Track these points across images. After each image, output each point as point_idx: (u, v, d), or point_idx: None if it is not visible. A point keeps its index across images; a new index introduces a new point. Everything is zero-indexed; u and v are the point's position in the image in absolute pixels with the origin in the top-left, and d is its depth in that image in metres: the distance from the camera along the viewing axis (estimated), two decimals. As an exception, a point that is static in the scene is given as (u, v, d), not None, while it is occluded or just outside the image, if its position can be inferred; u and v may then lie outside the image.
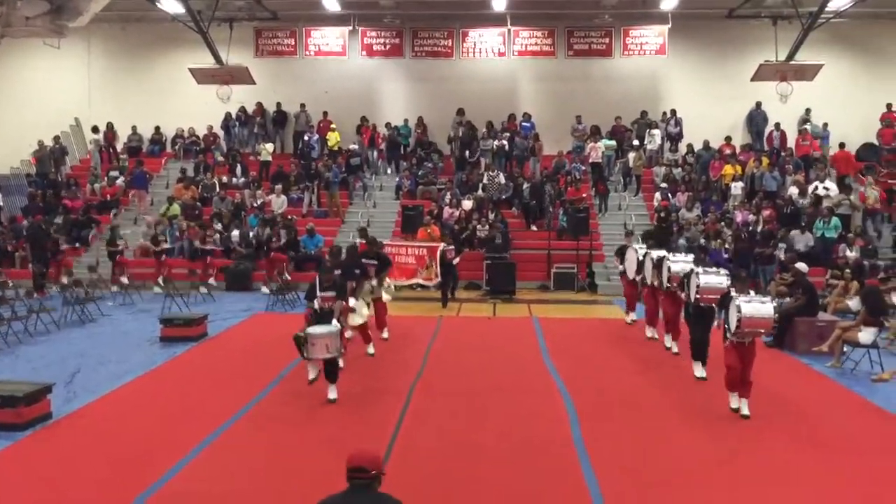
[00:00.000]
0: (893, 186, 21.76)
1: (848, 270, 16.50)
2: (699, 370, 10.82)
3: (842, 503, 6.77)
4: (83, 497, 6.77)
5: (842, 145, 23.04)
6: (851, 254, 18.14)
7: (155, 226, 20.68)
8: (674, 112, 24.29)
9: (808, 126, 23.72)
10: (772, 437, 8.40)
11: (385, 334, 13.33)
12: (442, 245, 17.45)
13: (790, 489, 7.05)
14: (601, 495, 6.82)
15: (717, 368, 9.90)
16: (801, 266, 14.04)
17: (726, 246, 18.99)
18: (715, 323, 9.72)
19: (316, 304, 9.78)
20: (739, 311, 8.74)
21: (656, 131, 24.20)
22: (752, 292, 9.33)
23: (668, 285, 11.94)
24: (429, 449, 8.01)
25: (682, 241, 18.78)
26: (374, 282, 12.63)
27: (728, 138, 23.86)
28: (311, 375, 9.60)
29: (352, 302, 11.04)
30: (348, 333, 11.58)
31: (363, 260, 12.68)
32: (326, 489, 6.67)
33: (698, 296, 10.41)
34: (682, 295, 11.29)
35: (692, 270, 10.87)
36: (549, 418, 9.09)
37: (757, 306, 8.88)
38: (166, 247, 19.91)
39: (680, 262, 11.91)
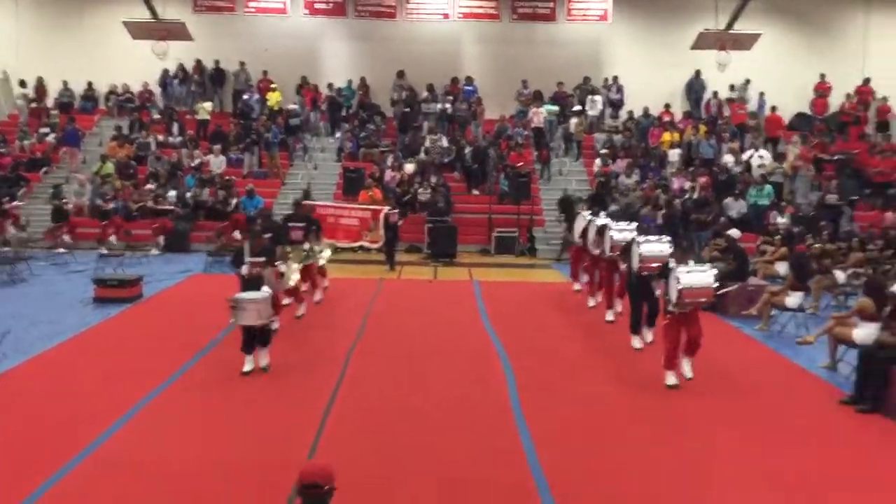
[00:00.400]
0: (823, 156, 22.39)
1: (778, 237, 16.99)
2: (647, 333, 10.78)
3: (758, 452, 7.05)
4: (12, 460, 6.63)
5: (773, 108, 23.62)
6: (782, 220, 18.67)
7: (101, 185, 20.16)
8: (615, 79, 24.50)
9: (734, 94, 24.19)
10: (702, 400, 8.65)
11: (318, 296, 13.27)
12: (386, 208, 17.40)
13: (713, 445, 7.32)
14: (537, 459, 6.94)
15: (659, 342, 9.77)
16: (734, 232, 14.44)
17: (661, 212, 19.34)
18: (657, 292, 9.63)
19: (244, 270, 9.49)
20: (679, 282, 8.58)
21: (598, 97, 24.37)
22: (691, 262, 9.20)
23: (610, 254, 11.80)
24: (366, 412, 8.05)
25: (613, 207, 18.71)
26: (306, 246, 12.49)
27: (667, 106, 24.19)
28: (247, 368, 9.16)
29: (281, 267, 10.80)
30: (285, 300, 11.49)
31: (290, 224, 12.57)
32: (259, 458, 6.75)
33: (640, 265, 10.20)
34: (623, 265, 11.12)
35: (633, 240, 10.67)
36: (488, 382, 9.21)
37: (698, 276, 8.74)
38: (112, 206, 19.45)
39: (622, 231, 11.72)
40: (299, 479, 4.03)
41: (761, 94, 24.27)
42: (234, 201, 19.94)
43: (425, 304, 13.86)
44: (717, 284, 8.97)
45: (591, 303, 13.40)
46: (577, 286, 14.67)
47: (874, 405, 8.29)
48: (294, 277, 11.59)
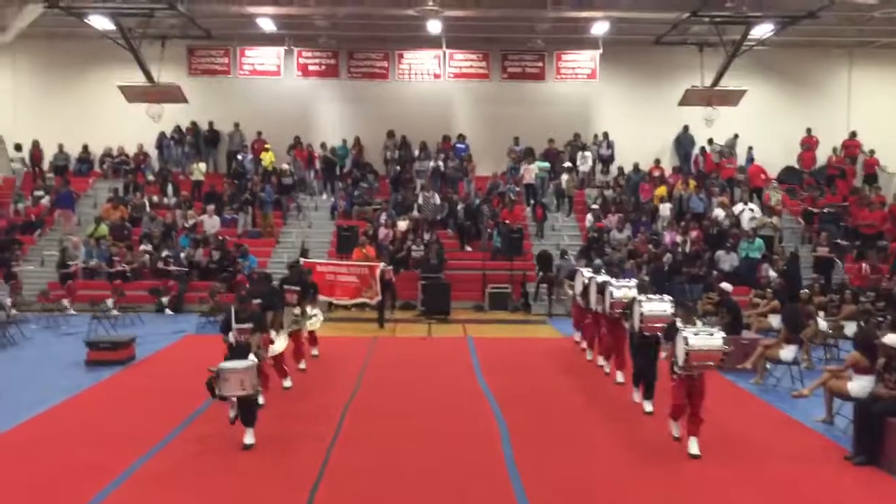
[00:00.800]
0: (813, 208, 22.62)
1: (770, 290, 17.04)
2: (646, 404, 10.29)
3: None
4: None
5: (751, 159, 23.99)
6: (773, 273, 18.75)
7: (68, 248, 20.21)
8: (605, 135, 24.85)
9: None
10: (702, 459, 8.54)
11: (303, 364, 12.52)
12: (382, 264, 17.57)
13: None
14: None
15: (662, 401, 9.68)
16: (726, 286, 14.49)
17: (644, 266, 19.39)
18: (662, 354, 9.30)
19: (231, 338, 9.07)
20: (687, 344, 8.23)
21: (588, 153, 24.67)
22: (698, 322, 8.85)
23: (611, 312, 11.49)
24: (361, 470, 7.98)
25: (597, 261, 18.32)
26: (297, 310, 12.02)
27: (657, 161, 24.49)
28: (232, 413, 8.74)
29: (272, 334, 10.44)
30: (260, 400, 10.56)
31: (284, 286, 12.12)
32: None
33: (642, 324, 9.86)
34: (626, 324, 10.80)
35: (635, 298, 10.33)
36: (483, 439, 9.15)
37: (705, 339, 8.35)
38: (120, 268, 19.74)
39: (623, 289, 11.40)
40: None
41: (750, 148, 24.59)
42: (244, 262, 19.95)
43: (420, 362, 13.80)
44: (726, 347, 8.51)
45: (590, 356, 13.39)
46: (577, 336, 14.74)
47: (870, 458, 8.24)
48: (281, 344, 11.06)
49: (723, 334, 8.62)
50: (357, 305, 18.17)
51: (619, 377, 11.76)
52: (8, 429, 9.32)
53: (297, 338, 12.23)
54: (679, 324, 8.68)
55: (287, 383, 11.34)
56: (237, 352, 8.89)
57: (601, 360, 12.81)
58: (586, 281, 13.20)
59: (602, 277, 12.51)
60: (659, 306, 9.79)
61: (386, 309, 17.85)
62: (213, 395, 8.63)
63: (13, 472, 7.88)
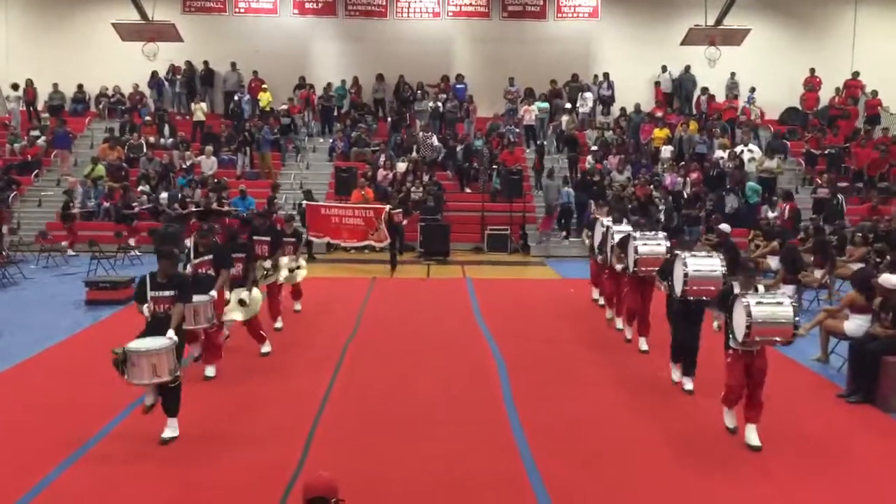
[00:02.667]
0: (816, 150, 22.48)
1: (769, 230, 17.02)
2: (687, 382, 8.74)
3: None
4: (6, 460, 6.64)
5: (752, 100, 24.00)
6: (773, 215, 18.71)
7: (73, 191, 20.10)
8: (606, 75, 24.53)
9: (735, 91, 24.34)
10: (700, 395, 8.64)
11: (279, 323, 11.36)
12: (388, 206, 17.45)
13: (716, 453, 7.35)
14: (530, 452, 6.98)
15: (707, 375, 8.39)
16: (724, 227, 14.45)
17: (661, 208, 19.38)
18: (714, 325, 8.03)
19: (146, 310, 7.30)
20: (749, 315, 6.83)
21: (588, 94, 24.40)
22: (759, 287, 7.37)
23: (635, 270, 9.82)
24: (360, 411, 8.07)
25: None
26: (268, 263, 10.75)
27: (658, 102, 24.22)
28: (149, 400, 7.17)
29: (228, 294, 9.31)
30: (225, 332, 9.68)
31: (254, 237, 10.85)
32: (252, 458, 6.77)
33: (686, 288, 8.24)
34: (662, 286, 9.20)
35: (676, 255, 8.63)
36: (481, 378, 9.23)
37: (772, 309, 6.90)
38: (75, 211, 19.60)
39: (649, 243, 9.81)
40: (304, 492, 4.04)
41: (752, 89, 24.31)
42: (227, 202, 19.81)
43: (419, 303, 13.87)
44: (798, 320, 7.08)
45: (620, 324, 11.32)
46: (596, 293, 13.26)
47: (866, 396, 8.33)
48: (255, 305, 9.71)
49: (793, 302, 7.13)
50: (357, 248, 18.16)
51: (643, 345, 10.27)
52: (9, 367, 9.39)
53: (270, 292, 11.01)
54: (736, 288, 7.30)
55: (265, 349, 9.98)
56: (154, 326, 7.21)
57: (620, 324, 11.25)
58: (604, 232, 11.51)
59: (621, 227, 10.90)
60: (706, 263, 8.30)
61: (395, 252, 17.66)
62: (122, 373, 7.02)
63: (15, 408, 7.97)
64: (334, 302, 13.57)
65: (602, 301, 12.63)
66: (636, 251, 9.71)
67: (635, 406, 8.26)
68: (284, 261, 11.60)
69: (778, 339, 7.00)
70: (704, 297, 8.24)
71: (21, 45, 24.66)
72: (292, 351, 10.30)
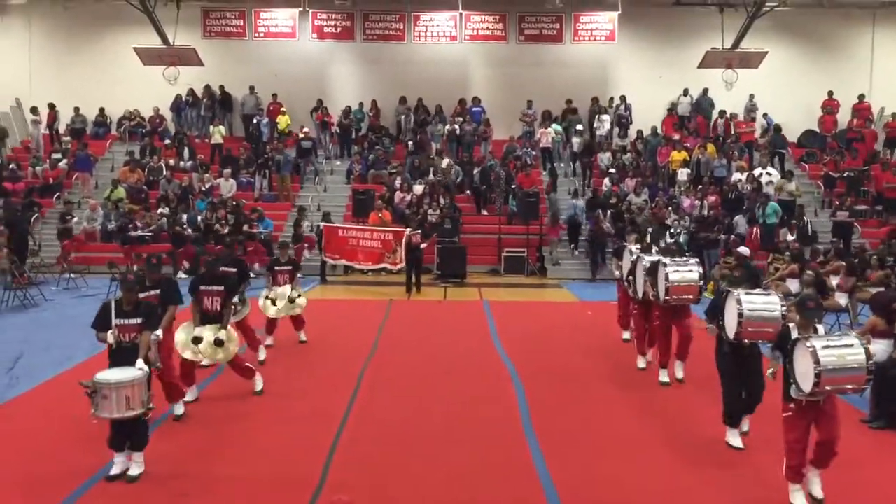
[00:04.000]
0: (834, 173, 22.37)
1: (788, 254, 16.91)
2: (735, 439, 7.72)
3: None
4: (25, 480, 6.67)
5: (769, 123, 23.82)
6: (792, 238, 18.61)
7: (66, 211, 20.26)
8: (623, 98, 24.57)
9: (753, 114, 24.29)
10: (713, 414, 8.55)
11: (261, 355, 10.67)
12: (408, 230, 17.53)
13: (740, 469, 7.27)
14: (548, 472, 6.96)
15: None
16: (743, 250, 14.33)
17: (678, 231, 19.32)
18: (769, 372, 6.81)
19: (110, 337, 6.89)
20: (818, 363, 5.96)
21: (605, 116, 24.44)
22: (819, 328, 6.53)
23: (667, 298, 9.35)
24: (378, 431, 8.06)
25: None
26: (235, 299, 9.73)
27: (675, 125, 24.22)
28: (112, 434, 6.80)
29: (199, 331, 8.50)
30: (204, 361, 9.05)
31: (220, 268, 9.53)
32: (273, 475, 6.78)
33: (740, 330, 7.26)
34: (709, 328, 8.06)
35: (727, 291, 7.69)
36: (498, 400, 9.21)
37: (841, 352, 6.04)
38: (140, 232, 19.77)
39: (680, 270, 9.32)
40: None
41: (765, 115, 24.24)
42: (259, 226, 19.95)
43: (436, 325, 13.87)
44: (871, 364, 6.19)
45: (642, 363, 10.70)
46: (626, 335, 12.18)
47: (889, 422, 8.23)
48: (230, 346, 8.76)
49: (864, 344, 6.29)
50: (373, 271, 18.26)
51: (679, 371, 9.72)
52: (33, 387, 9.47)
53: (242, 328, 10.21)
54: (794, 332, 6.42)
55: (258, 386, 9.27)
56: (120, 355, 6.88)
57: (643, 363, 10.52)
58: (633, 260, 10.75)
59: (651, 257, 10.24)
60: (761, 301, 7.37)
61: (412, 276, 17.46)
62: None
63: (39, 429, 8.01)
64: (351, 324, 13.61)
65: (626, 335, 12.04)
66: (667, 278, 9.23)
67: (658, 430, 8.20)
68: (281, 291, 11.36)
69: (850, 386, 6.16)
70: (761, 341, 7.40)
71: (44, 69, 25.02)
72: (310, 372, 10.33)
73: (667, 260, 9.61)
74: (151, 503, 6.36)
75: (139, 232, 19.87)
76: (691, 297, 9.39)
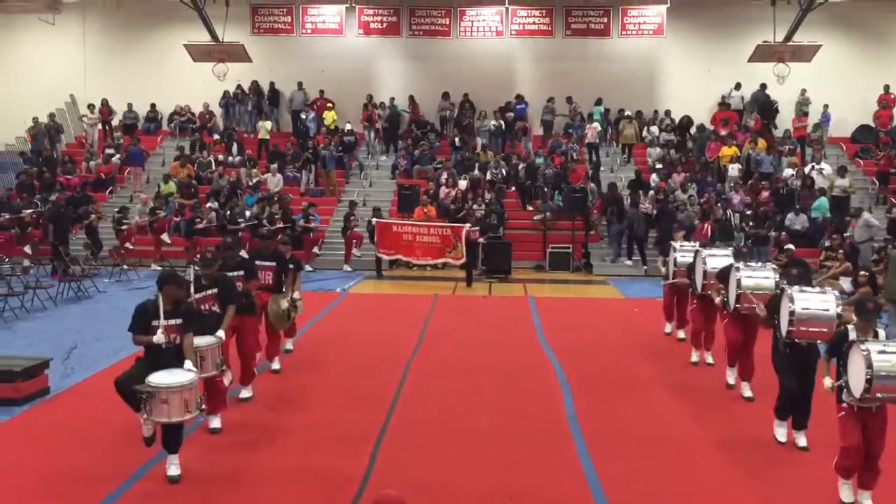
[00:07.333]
0: (889, 168, 21.83)
1: (841, 251, 16.57)
2: (800, 438, 7.56)
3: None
4: (81, 470, 6.82)
5: (827, 118, 23.49)
6: (847, 234, 18.19)
7: (122, 208, 20.61)
8: (668, 113, 24.30)
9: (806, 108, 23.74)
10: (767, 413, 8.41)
11: (289, 345, 10.68)
12: (467, 226, 17.75)
13: (791, 470, 7.16)
14: (593, 467, 6.93)
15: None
16: (790, 247, 14.13)
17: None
18: (826, 381, 6.38)
19: (157, 338, 6.62)
20: (871, 367, 5.79)
21: (654, 128, 24.09)
22: (880, 332, 6.30)
23: (737, 306, 8.63)
24: (424, 426, 8.08)
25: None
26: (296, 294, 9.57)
27: (725, 120, 23.82)
28: (147, 431, 6.65)
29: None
30: (227, 377, 8.38)
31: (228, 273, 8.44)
32: (318, 468, 6.84)
33: (792, 329, 7.07)
34: (764, 323, 7.88)
35: (781, 289, 7.53)
36: (543, 395, 9.18)
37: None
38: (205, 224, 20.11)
39: (756, 276, 8.59)
40: None
41: (825, 106, 23.73)
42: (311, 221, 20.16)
43: (481, 320, 13.85)
44: None
45: (695, 357, 10.56)
46: (669, 327, 12.24)
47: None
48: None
49: None
50: (432, 266, 18.64)
51: (747, 391, 9.07)
52: (86, 377, 9.70)
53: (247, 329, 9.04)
54: (852, 334, 6.24)
55: (245, 394, 8.78)
56: (163, 358, 6.67)
57: (731, 375, 9.47)
58: (680, 256, 10.66)
59: (713, 252, 9.87)
60: (818, 301, 7.10)
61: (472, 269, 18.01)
62: (136, 408, 6.51)
63: (94, 419, 8.19)
64: (397, 318, 13.68)
65: (681, 334, 11.76)
66: (739, 284, 8.50)
67: (704, 427, 8.09)
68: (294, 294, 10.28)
69: None
70: (815, 341, 7.16)
71: (98, 66, 25.57)
72: (357, 365, 10.39)
73: (739, 263, 8.91)
74: (199, 497, 6.47)
75: (203, 224, 20.17)
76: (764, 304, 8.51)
